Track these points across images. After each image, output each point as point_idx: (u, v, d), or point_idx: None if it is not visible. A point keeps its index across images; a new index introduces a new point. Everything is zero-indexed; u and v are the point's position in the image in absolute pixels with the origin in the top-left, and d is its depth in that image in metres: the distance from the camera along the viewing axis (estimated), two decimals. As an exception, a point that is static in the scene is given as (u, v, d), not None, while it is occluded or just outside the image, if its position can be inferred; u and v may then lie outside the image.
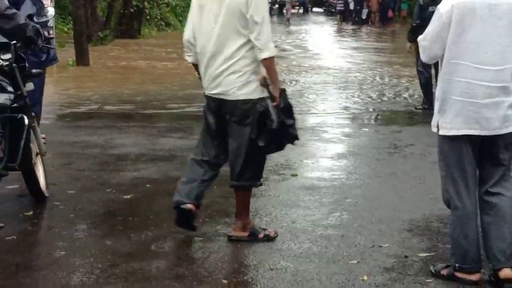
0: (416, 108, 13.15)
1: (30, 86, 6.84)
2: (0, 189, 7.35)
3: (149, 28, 32.98)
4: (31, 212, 6.63)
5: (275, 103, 5.67)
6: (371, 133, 11.06)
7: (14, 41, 6.42)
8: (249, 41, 5.59)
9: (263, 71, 5.66)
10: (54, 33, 17.90)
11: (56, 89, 14.41)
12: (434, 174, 8.09)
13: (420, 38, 5.11)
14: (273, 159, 8.92)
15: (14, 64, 6.39)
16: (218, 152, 6.01)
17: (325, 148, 9.64)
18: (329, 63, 21.56)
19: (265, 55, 5.57)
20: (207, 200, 7.05)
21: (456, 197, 5.01)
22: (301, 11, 62.74)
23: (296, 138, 5.94)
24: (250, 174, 5.92)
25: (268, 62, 5.61)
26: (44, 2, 10.55)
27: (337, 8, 49.53)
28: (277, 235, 6.02)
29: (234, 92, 5.68)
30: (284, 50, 25.81)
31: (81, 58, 19.51)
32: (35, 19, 9.30)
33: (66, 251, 5.66)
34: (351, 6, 48.01)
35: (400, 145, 9.81)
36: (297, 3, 60.32)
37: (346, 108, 13.46)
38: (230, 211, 6.73)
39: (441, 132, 5.07)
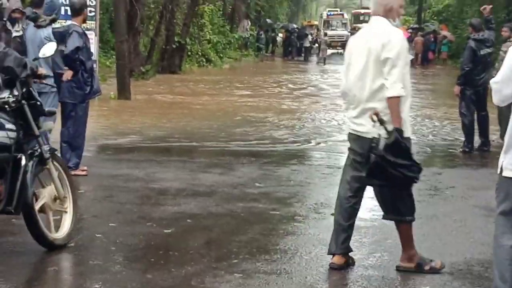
0: (457, 151, 13.07)
1: (49, 125, 6.64)
2: (42, 220, 7.43)
3: (190, 63, 33.21)
4: (72, 244, 6.67)
5: (388, 139, 5.80)
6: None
7: (22, 76, 6.17)
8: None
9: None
10: (97, 66, 18.17)
11: (98, 122, 14.52)
12: (475, 217, 8.08)
13: (492, 80, 5.04)
14: (313, 197, 8.97)
15: (23, 101, 6.14)
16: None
17: (366, 188, 9.58)
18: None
19: (390, 93, 5.81)
20: (247, 237, 7.09)
21: None
22: (342, 51, 61.83)
23: (413, 180, 6.04)
24: (395, 208, 6.11)
25: (393, 101, 5.82)
26: (89, 37, 10.77)
27: None
28: (444, 267, 6.15)
29: (370, 129, 5.92)
30: (321, 89, 25.87)
31: (123, 92, 19.69)
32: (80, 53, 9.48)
33: (107, 284, 5.68)
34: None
35: (440, 187, 9.75)
36: (339, 43, 59.75)
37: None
38: (270, 249, 6.75)
39: (504, 174, 4.92)
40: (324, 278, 6.00)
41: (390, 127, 5.80)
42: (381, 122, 5.78)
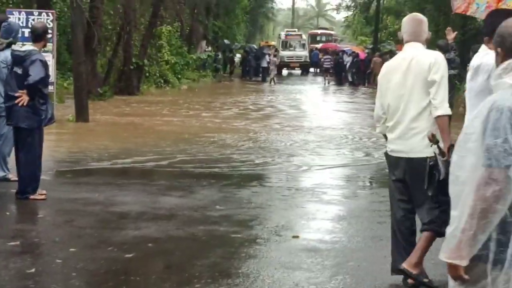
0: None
1: None
2: (2, 246, 7.36)
3: (148, 84, 33.14)
4: (33, 270, 6.60)
5: (444, 158, 5.91)
6: (371, 195, 11.08)
7: None
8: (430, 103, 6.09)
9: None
10: (54, 89, 18.04)
11: (56, 145, 14.42)
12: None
13: None
14: (274, 219, 8.97)
15: None
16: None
17: (326, 210, 9.64)
18: (314, 122, 21.65)
19: (439, 112, 6.03)
20: (209, 260, 7.07)
21: None
22: (300, 71, 60.99)
23: None
24: (441, 219, 6.04)
25: (442, 120, 6.04)
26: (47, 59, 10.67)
27: (324, 65, 48.37)
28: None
29: (419, 150, 6.11)
30: (279, 110, 25.98)
31: (81, 114, 19.57)
32: None
33: (68, 310, 5.64)
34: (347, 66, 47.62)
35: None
36: (297, 64, 59.65)
37: (344, 166, 13.50)
38: (232, 272, 6.74)
39: None
40: (287, 302, 5.99)
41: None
42: (437, 142, 5.95)
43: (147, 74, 33.32)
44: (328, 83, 46.40)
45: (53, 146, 13.95)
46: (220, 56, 50.71)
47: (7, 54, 10.10)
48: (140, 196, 10.08)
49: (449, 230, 3.42)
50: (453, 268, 3.38)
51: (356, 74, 46.72)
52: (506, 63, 3.51)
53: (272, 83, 44.53)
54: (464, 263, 3.35)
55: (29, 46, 9.75)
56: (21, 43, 10.89)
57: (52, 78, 16.23)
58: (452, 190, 3.50)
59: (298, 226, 8.77)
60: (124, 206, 9.44)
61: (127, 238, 7.87)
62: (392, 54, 46.18)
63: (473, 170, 3.36)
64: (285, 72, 59.70)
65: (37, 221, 8.84)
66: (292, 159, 14.11)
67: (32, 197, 9.41)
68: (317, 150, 15.64)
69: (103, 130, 18.24)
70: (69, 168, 12.39)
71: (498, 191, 3.26)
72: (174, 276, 6.67)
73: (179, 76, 38.80)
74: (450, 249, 3.38)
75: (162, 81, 35.23)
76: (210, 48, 53.08)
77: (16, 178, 9.69)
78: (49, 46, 18.18)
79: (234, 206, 9.69)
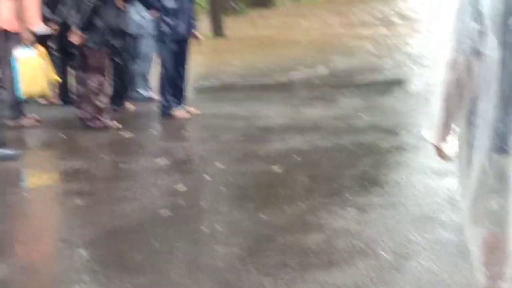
0: None
1: None
2: (149, 163, 7.45)
3: (283, -4, 32.72)
4: (181, 185, 6.63)
5: None
6: None
7: None
8: None
9: None
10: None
11: (195, 61, 14.43)
12: None
13: None
14: (420, 126, 8.70)
15: None
16: None
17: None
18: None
19: None
20: (357, 170, 6.95)
21: None
22: None
23: None
24: None
25: None
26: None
27: None
28: None
29: None
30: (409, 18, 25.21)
31: (218, 30, 19.58)
32: None
33: (220, 225, 5.63)
34: None
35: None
36: None
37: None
38: (382, 181, 6.62)
39: None
40: (441, 209, 5.80)
41: None
42: None
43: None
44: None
45: (192, 62, 13.97)
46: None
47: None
48: (283, 108, 9.99)
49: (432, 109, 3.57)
50: (435, 148, 3.58)
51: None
52: None
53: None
54: (437, 142, 3.54)
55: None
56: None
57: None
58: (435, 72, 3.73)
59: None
60: (268, 119, 9.38)
61: (273, 151, 7.82)
62: None
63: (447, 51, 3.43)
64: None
65: (183, 137, 8.89)
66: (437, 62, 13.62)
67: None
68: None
69: (241, 45, 18.16)
70: (209, 84, 12.42)
71: (457, 76, 3.37)
72: (323, 186, 6.60)
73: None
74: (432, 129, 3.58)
75: (297, -9, 34.70)
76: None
77: (158, 97, 9.77)
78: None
79: (378, 113, 9.49)
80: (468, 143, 3.49)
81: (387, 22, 22.52)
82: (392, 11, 26.58)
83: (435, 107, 3.52)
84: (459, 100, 3.44)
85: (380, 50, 15.81)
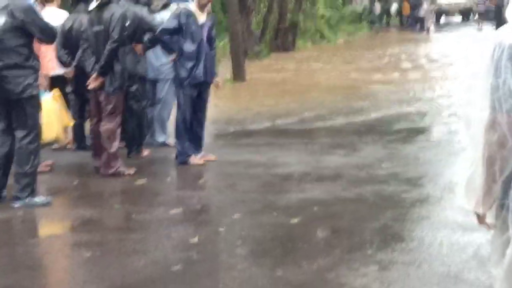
0: None
1: None
2: (163, 213, 7.20)
3: (304, 40, 32.66)
4: (196, 239, 6.36)
5: None
6: None
7: None
8: None
9: None
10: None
11: (214, 106, 14.26)
12: None
13: None
14: (445, 176, 8.42)
15: None
16: None
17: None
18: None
19: None
20: (380, 223, 6.66)
21: None
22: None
23: None
24: None
25: None
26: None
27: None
28: None
29: None
30: (434, 60, 24.96)
31: (238, 74, 19.42)
32: None
33: (234, 282, 5.35)
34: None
35: None
36: (457, 10, 56.69)
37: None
38: (405, 236, 6.32)
39: None
40: (469, 267, 5.49)
41: None
42: None
43: (303, 30, 32.86)
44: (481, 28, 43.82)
45: (212, 107, 13.78)
46: (376, 6, 49.52)
47: (163, 16, 9.91)
48: (303, 156, 9.73)
49: (468, 172, 3.32)
50: (476, 215, 3.32)
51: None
52: None
53: (430, 32, 42.87)
54: (481, 210, 3.28)
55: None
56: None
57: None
58: (468, 132, 3.37)
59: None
60: (287, 167, 9.11)
61: (292, 201, 7.53)
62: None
63: (480, 110, 3.23)
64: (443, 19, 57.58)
65: (199, 186, 8.62)
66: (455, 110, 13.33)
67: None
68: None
69: (261, 89, 17.97)
70: (229, 130, 12.19)
71: (502, 137, 3.13)
72: (344, 241, 6.29)
73: (335, 30, 38.07)
74: (471, 195, 3.31)
75: (318, 36, 34.66)
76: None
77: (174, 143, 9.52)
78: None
79: (401, 163, 9.20)
80: (506, 207, 3.22)
81: (412, 67, 22.32)
82: (413, 55, 26.35)
83: (476, 171, 3.26)
84: (502, 162, 3.18)
85: (403, 96, 15.54)
